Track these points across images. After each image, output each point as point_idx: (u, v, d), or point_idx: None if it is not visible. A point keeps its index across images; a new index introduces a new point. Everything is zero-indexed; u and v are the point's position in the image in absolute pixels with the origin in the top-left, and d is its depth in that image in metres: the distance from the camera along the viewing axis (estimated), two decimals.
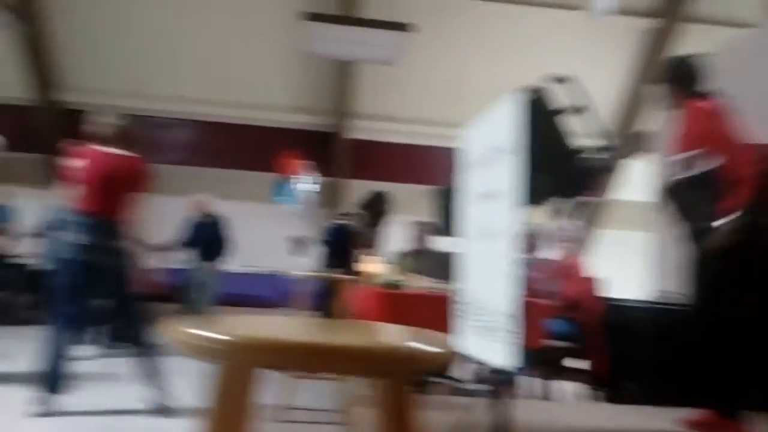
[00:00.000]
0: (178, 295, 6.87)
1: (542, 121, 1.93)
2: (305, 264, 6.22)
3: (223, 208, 7.36)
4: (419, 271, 4.36)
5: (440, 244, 6.03)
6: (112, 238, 3.73)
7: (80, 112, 8.94)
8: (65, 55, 8.61)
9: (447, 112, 8.99)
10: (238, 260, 8.03)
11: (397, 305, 3.30)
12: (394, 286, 3.65)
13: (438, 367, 0.96)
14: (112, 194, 3.73)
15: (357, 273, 4.71)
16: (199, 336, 0.87)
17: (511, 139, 1.88)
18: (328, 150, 9.21)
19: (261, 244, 8.56)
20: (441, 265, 5.31)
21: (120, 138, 3.83)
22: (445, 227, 6.27)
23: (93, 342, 5.81)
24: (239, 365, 0.92)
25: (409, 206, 9.14)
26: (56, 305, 3.76)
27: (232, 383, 0.93)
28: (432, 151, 9.45)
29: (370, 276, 4.18)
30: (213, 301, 7.05)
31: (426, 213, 7.65)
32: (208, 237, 7.09)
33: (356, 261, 5.34)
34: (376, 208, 5.60)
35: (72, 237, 3.69)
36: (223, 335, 0.86)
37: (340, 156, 9.31)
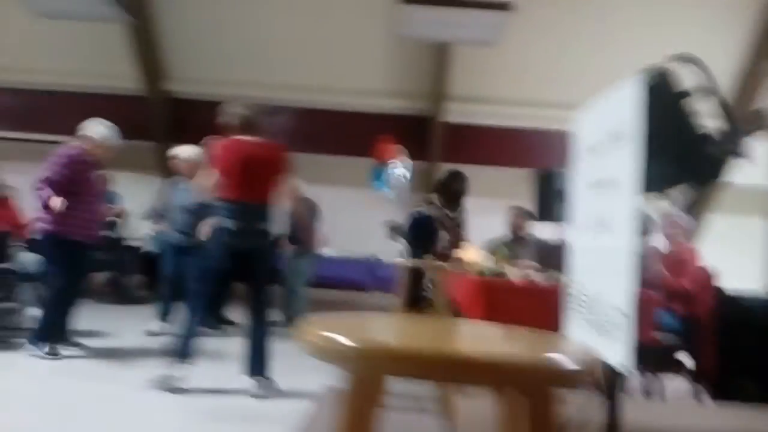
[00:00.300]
0: (276, 278, 7.05)
1: (665, 105, 1.79)
2: (400, 250, 6.20)
3: (319, 193, 7.45)
4: (517, 260, 4.24)
5: (540, 231, 5.85)
6: (259, 223, 3.88)
7: (186, 101, 9.38)
8: (171, 46, 8.97)
9: (547, 93, 8.68)
10: (334, 245, 8.14)
11: (498, 295, 3.22)
12: (493, 275, 3.57)
13: (582, 381, 0.88)
14: (255, 180, 3.88)
15: (445, 260, 4.62)
16: (332, 341, 0.84)
17: (632, 124, 1.75)
18: (424, 134, 9.14)
19: (356, 229, 8.64)
20: (540, 254, 5.14)
21: (251, 126, 3.97)
22: (545, 213, 6.05)
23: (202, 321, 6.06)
24: (370, 372, 0.89)
25: (506, 191, 8.95)
26: (198, 286, 3.96)
27: (362, 388, 0.90)
28: (531, 133, 9.17)
29: (467, 264, 4.10)
30: (308, 284, 7.18)
31: (525, 198, 7.44)
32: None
33: (443, 248, 5.23)
34: (451, 188, 5.39)
35: (220, 222, 3.85)
36: (355, 343, 0.82)
37: (436, 140, 9.21)
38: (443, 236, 5.31)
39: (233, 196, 3.84)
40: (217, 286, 4.04)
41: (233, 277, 4.01)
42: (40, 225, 4.71)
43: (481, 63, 8.52)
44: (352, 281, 9.18)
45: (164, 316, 5.93)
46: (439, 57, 8.51)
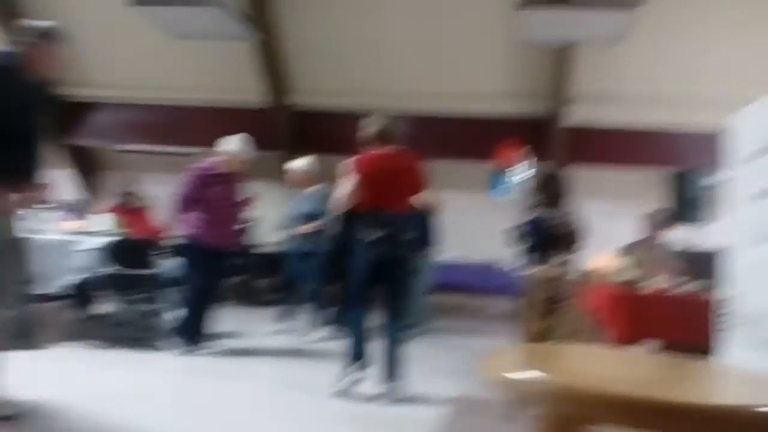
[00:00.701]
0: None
1: None
2: (520, 255, 6.06)
3: (438, 198, 7.44)
4: (658, 268, 4.02)
5: (678, 235, 5.51)
6: (401, 232, 3.99)
7: (307, 113, 9.67)
8: (295, 60, 9.27)
9: (680, 91, 8.16)
10: (453, 250, 8.11)
11: (641, 306, 3.06)
12: (633, 284, 3.40)
13: None
14: (395, 190, 4.00)
15: (567, 267, 4.45)
16: (525, 383, 0.79)
17: None
18: (545, 136, 8.88)
19: (475, 233, 8.55)
20: (681, 261, 4.84)
21: (388, 137, 4.08)
22: (682, 216, 5.67)
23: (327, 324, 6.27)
24: (568, 419, 0.83)
25: (633, 193, 8.54)
26: (353, 297, 4.09)
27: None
28: (661, 133, 8.67)
29: (600, 273, 3.95)
30: (427, 289, 7.20)
31: (654, 200, 7.04)
32: (419, 228, 7.22)
33: (563, 254, 5.02)
34: (550, 191, 5.13)
35: (363, 233, 3.97)
36: (556, 386, 0.76)
37: (557, 142, 8.93)
38: (561, 241, 5.13)
39: (375, 207, 3.93)
40: (366, 293, 4.12)
41: (383, 283, 4.11)
42: (179, 235, 5.20)
43: (606, 60, 8.17)
44: (471, 286, 9.11)
45: (290, 316, 6.36)
46: (559, 57, 8.26)
